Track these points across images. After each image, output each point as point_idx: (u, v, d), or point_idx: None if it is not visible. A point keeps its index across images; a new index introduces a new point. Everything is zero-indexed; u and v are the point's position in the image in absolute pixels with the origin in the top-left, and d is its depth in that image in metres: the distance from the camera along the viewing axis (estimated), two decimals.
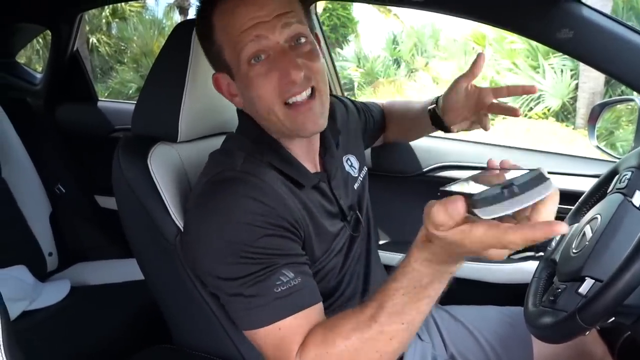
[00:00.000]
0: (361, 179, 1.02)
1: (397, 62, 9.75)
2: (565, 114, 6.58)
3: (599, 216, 0.85)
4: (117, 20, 11.41)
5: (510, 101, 6.82)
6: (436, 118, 1.07)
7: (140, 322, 1.35)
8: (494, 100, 0.97)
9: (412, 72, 9.36)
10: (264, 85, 0.76)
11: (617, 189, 0.88)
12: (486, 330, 1.06)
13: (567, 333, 0.75)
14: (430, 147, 1.34)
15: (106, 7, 10.92)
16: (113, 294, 1.46)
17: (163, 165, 0.93)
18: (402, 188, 1.37)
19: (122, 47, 11.20)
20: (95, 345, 1.25)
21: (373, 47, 10.36)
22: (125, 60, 11.04)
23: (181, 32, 0.96)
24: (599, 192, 0.97)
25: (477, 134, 1.21)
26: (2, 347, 0.57)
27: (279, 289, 0.70)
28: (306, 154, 0.87)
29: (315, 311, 0.73)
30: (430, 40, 9.59)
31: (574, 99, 6.44)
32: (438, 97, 1.08)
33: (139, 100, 1.01)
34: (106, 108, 1.81)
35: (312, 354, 0.68)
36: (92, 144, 1.78)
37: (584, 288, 0.78)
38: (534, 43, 6.76)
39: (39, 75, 1.88)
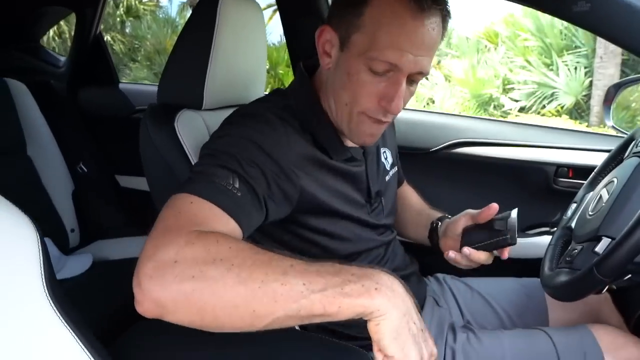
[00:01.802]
0: (392, 173, 1.03)
1: None
2: (579, 111, 6.54)
3: (615, 179, 0.87)
4: (131, 18, 11.53)
5: (523, 98, 6.81)
6: (434, 234, 1.03)
7: None
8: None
9: None
10: (364, 91, 0.77)
11: (633, 153, 0.89)
12: (502, 299, 1.07)
13: (585, 288, 0.76)
14: (445, 123, 1.36)
15: (120, 5, 11.13)
16: (134, 266, 1.49)
17: (189, 129, 0.96)
18: (418, 164, 1.39)
19: (136, 45, 11.32)
20: (117, 312, 1.28)
21: None
22: (139, 58, 11.15)
23: (207, 1, 0.99)
24: (614, 161, 0.99)
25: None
26: (49, 299, 0.60)
27: (219, 182, 0.67)
28: None
29: (228, 224, 0.65)
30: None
31: (588, 96, 6.40)
32: (443, 217, 1.04)
33: (165, 70, 1.04)
34: (127, 90, 1.85)
35: (176, 250, 0.56)
36: (114, 125, 1.82)
37: (600, 247, 0.79)
38: (548, 40, 6.74)
39: (62, 59, 1.92)
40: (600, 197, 0.87)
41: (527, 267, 1.15)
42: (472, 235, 0.92)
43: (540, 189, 1.31)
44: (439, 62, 9.52)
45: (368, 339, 0.57)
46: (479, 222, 0.92)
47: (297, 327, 0.86)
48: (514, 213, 0.90)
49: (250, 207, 0.68)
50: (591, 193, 0.97)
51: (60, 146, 1.72)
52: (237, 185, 0.67)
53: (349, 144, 0.89)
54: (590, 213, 0.88)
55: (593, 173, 1.02)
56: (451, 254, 0.90)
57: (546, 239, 1.29)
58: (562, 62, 6.50)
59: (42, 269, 0.60)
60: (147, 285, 0.54)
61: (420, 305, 0.98)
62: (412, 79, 0.77)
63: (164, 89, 1.04)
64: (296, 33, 1.47)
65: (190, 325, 0.56)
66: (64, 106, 1.82)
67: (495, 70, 7.62)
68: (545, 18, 6.64)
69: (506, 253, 0.90)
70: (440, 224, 1.03)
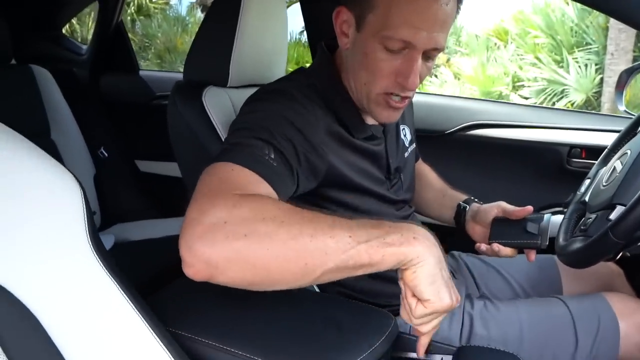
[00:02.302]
0: (410, 150, 1.06)
1: None
2: (589, 108, 6.52)
3: (629, 151, 0.90)
4: (141, 17, 11.63)
5: (533, 95, 6.80)
6: (460, 216, 1.06)
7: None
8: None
9: (433, 67, 9.33)
10: (381, 70, 0.79)
11: None
12: (517, 273, 1.10)
13: (600, 252, 0.79)
14: (461, 106, 1.39)
15: (131, 4, 11.23)
16: (155, 246, 1.54)
17: (216, 105, 1.00)
18: (434, 146, 1.42)
19: (147, 44, 11.41)
20: (141, 289, 1.32)
21: None
22: (150, 57, 11.23)
23: None
24: (628, 137, 1.01)
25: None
26: (93, 251, 0.64)
27: (257, 152, 0.69)
28: None
29: (267, 190, 0.67)
30: (451, 37, 9.57)
31: (599, 93, 6.38)
32: (469, 200, 1.08)
33: (192, 49, 1.08)
34: (147, 76, 1.89)
35: (225, 211, 0.58)
36: (134, 111, 1.87)
37: (614, 214, 0.81)
38: (559, 37, 6.72)
39: (84, 47, 1.97)
40: (614, 168, 0.90)
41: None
42: (503, 231, 0.95)
43: (553, 169, 1.34)
44: (448, 59, 9.52)
45: (390, 306, 0.60)
46: (511, 218, 0.95)
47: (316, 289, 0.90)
48: (547, 217, 0.93)
49: (285, 177, 0.71)
50: (605, 167, 0.99)
51: (82, 131, 1.77)
52: (272, 156, 0.69)
53: (370, 121, 0.91)
54: (604, 184, 0.90)
55: (606, 150, 1.05)
56: (483, 247, 0.95)
57: (560, 219, 1.31)
58: (573, 59, 6.48)
59: (86, 222, 0.64)
60: (198, 246, 0.55)
61: None
62: (428, 55, 0.79)
63: (190, 67, 1.08)
64: (314, 16, 1.50)
65: (240, 283, 0.58)
66: (86, 93, 1.88)
67: (504, 67, 7.60)
68: (556, 15, 6.62)
69: (533, 256, 0.94)
70: (467, 207, 1.05)
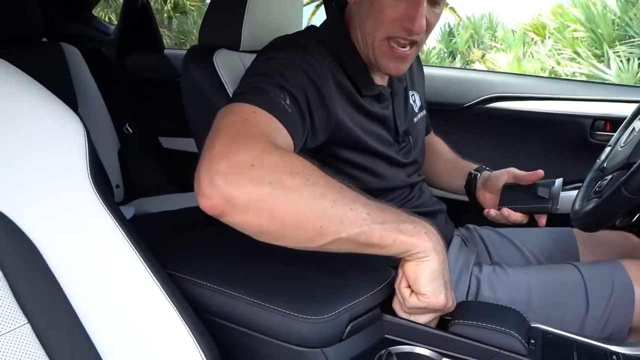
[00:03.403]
0: (420, 116, 1.05)
1: (452, 54, 9.60)
2: None
3: None
4: (177, 14, 11.88)
5: None
6: (471, 185, 1.05)
7: None
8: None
9: (467, 63, 9.18)
10: (386, 16, 0.79)
11: None
12: (532, 244, 1.07)
13: (614, 210, 0.76)
14: (479, 79, 1.36)
15: (168, 2, 11.49)
16: (171, 216, 1.57)
17: (227, 66, 1.01)
18: (452, 120, 1.40)
19: (182, 40, 11.65)
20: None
21: (428, 39, 10.22)
22: None
23: None
24: None
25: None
26: (93, 187, 0.65)
27: (275, 97, 0.68)
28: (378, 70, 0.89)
29: (287, 138, 0.67)
30: (487, 32, 9.39)
31: None
32: (480, 168, 1.07)
33: (206, 14, 1.09)
34: (172, 55, 1.93)
35: (253, 155, 0.58)
36: (158, 89, 1.91)
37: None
38: (599, 30, 6.49)
39: (112, 27, 2.03)
40: (633, 128, 0.86)
41: (559, 221, 1.14)
42: (513, 196, 0.93)
43: (576, 143, 1.29)
44: (483, 55, 9.34)
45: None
46: (522, 184, 0.93)
47: None
48: (559, 182, 0.92)
49: (298, 126, 0.71)
50: (625, 132, 0.95)
51: (108, 108, 1.82)
52: (288, 102, 0.69)
53: (378, 81, 0.91)
54: (621, 145, 0.87)
55: (628, 116, 1.00)
56: (492, 212, 0.94)
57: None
58: (614, 53, 6.24)
59: (87, 158, 0.65)
60: (221, 182, 0.55)
61: (447, 244, 0.99)
62: (435, 0, 0.79)
63: (205, 32, 1.09)
64: None
65: (250, 228, 0.58)
66: (112, 71, 1.93)
67: (541, 63, 7.41)
68: (597, 7, 6.39)
69: (544, 220, 0.92)
70: (478, 175, 1.04)
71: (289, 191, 0.56)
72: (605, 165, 0.93)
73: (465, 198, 1.08)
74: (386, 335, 0.68)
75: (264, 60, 0.79)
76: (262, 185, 0.55)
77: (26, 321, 0.58)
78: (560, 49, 7.04)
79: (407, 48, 0.82)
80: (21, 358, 0.57)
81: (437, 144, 1.20)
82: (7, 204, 0.59)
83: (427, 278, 0.62)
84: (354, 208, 0.59)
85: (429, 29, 0.81)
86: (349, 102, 0.84)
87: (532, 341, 0.65)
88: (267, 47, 0.84)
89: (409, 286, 0.65)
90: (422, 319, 0.66)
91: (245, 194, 0.55)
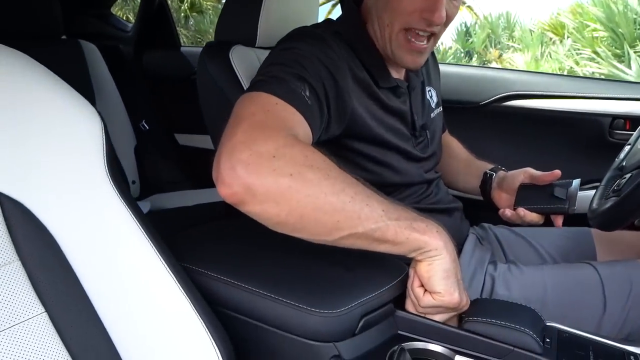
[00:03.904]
0: (437, 112, 1.04)
1: (469, 54, 9.53)
2: None
3: None
4: (194, 14, 11.97)
5: None
6: (486, 184, 1.04)
7: None
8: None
9: (484, 63, 9.10)
10: (405, 8, 0.79)
11: None
12: (547, 244, 1.06)
13: (631, 208, 0.75)
14: (496, 77, 1.34)
15: (185, 1, 11.59)
16: (187, 212, 1.58)
17: (243, 62, 1.01)
18: (468, 118, 1.38)
19: (199, 39, 11.74)
20: None
21: (445, 39, 10.16)
22: None
23: None
24: None
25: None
26: (109, 177, 0.66)
27: (295, 88, 0.68)
28: (395, 63, 0.89)
29: (306, 130, 0.68)
30: (504, 32, 9.30)
31: None
32: (496, 168, 1.06)
33: (223, 11, 1.10)
34: (188, 52, 1.95)
35: (275, 146, 0.58)
36: (175, 86, 1.93)
37: None
38: (620, 30, 6.38)
39: (130, 25, 2.05)
40: None
41: (576, 221, 1.12)
42: (530, 196, 0.92)
43: (594, 142, 1.27)
44: (500, 55, 9.25)
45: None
46: (538, 184, 0.92)
47: None
48: (576, 182, 0.90)
49: (317, 117, 0.71)
50: None
51: (125, 104, 1.84)
52: (307, 94, 0.69)
53: (395, 74, 0.90)
54: None
55: None
56: (507, 212, 0.94)
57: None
58: (635, 52, 6.13)
59: (104, 150, 0.66)
60: (243, 171, 0.55)
61: (462, 242, 0.98)
62: None
63: (221, 27, 1.10)
64: None
65: (268, 219, 0.59)
66: (130, 68, 1.95)
67: (560, 63, 7.31)
68: (618, 7, 6.28)
69: (560, 221, 0.91)
70: (494, 175, 1.03)
71: (309, 184, 0.57)
72: (624, 164, 0.91)
73: (480, 197, 1.07)
74: (399, 332, 0.68)
75: (282, 50, 0.79)
76: (283, 176, 0.56)
77: (43, 310, 0.59)
78: (579, 49, 6.94)
79: (424, 42, 0.82)
80: (38, 346, 0.58)
81: (452, 144, 1.19)
82: (26, 194, 0.60)
83: (441, 276, 0.63)
84: (370, 204, 0.59)
85: (447, 21, 0.80)
86: (366, 94, 0.84)
87: (547, 340, 0.64)
88: (284, 38, 0.84)
89: (422, 285, 0.65)
90: (437, 318, 0.66)
91: (265, 184, 0.56)
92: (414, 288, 0.66)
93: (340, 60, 0.79)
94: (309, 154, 0.59)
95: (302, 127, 0.66)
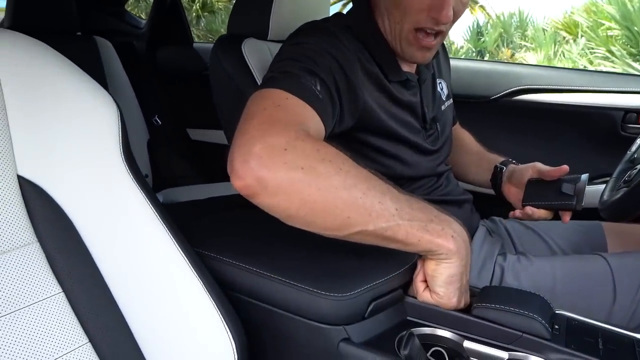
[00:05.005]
0: (447, 104, 1.04)
1: (480, 54, 9.47)
2: None
3: None
4: (206, 13, 12.05)
5: None
6: (497, 177, 1.04)
7: None
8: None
9: None
10: (414, 6, 0.79)
11: None
12: (557, 237, 1.06)
13: None
14: (507, 71, 1.34)
15: (196, 1, 11.68)
16: (200, 206, 1.59)
17: (255, 55, 1.02)
18: (479, 113, 1.38)
19: (210, 39, 11.81)
20: None
21: (456, 38, 10.11)
22: None
23: None
24: None
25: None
26: (124, 162, 0.68)
27: (306, 83, 0.69)
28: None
29: (318, 124, 0.68)
30: (517, 31, 9.23)
31: None
32: (506, 162, 1.06)
33: (235, 4, 1.12)
34: (201, 49, 1.97)
35: (286, 140, 0.59)
36: (187, 81, 1.95)
37: None
38: (635, 28, 6.31)
39: (143, 21, 2.08)
40: None
41: (587, 215, 1.12)
42: (537, 192, 0.92)
43: (606, 136, 1.27)
44: (512, 54, 9.19)
45: None
46: (546, 179, 0.92)
47: None
48: (584, 178, 0.89)
49: (329, 111, 0.71)
50: None
51: (138, 99, 1.87)
52: (318, 88, 0.70)
53: (405, 68, 0.91)
54: None
55: None
56: (517, 214, 0.95)
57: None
58: None
59: (120, 136, 0.68)
60: (255, 164, 0.56)
61: (472, 234, 0.99)
62: None
63: (233, 21, 1.11)
64: None
65: (280, 212, 0.59)
66: (143, 64, 1.97)
67: (573, 62, 7.24)
68: (633, 4, 6.21)
69: (568, 217, 0.91)
70: (504, 168, 1.03)
71: (320, 178, 0.57)
72: (635, 156, 0.91)
73: (491, 191, 1.08)
74: (408, 317, 0.68)
75: (292, 45, 0.80)
76: (295, 170, 0.56)
77: (60, 290, 0.61)
78: (593, 48, 6.86)
79: (432, 39, 0.82)
80: (55, 325, 0.60)
81: (464, 136, 1.19)
82: (45, 178, 0.62)
83: (444, 280, 0.63)
84: (383, 201, 0.59)
85: (455, 18, 0.81)
86: (377, 87, 0.85)
87: (556, 327, 0.64)
88: (294, 33, 0.85)
89: (425, 281, 0.66)
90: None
91: (277, 177, 0.56)
92: (417, 281, 0.67)
93: (350, 53, 0.80)
94: (321, 148, 0.60)
95: (313, 121, 0.67)
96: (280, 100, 0.65)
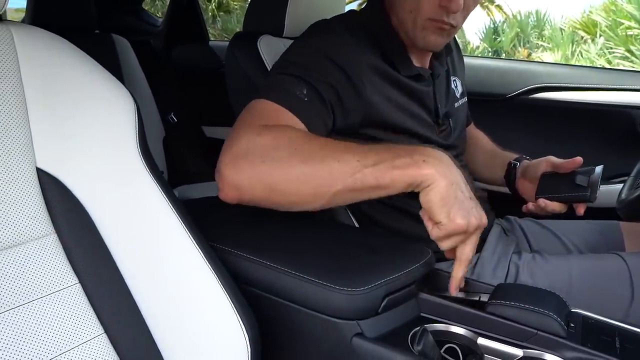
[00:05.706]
0: (461, 102, 1.04)
1: (497, 54, 9.39)
2: None
3: None
4: (221, 13, 12.12)
5: None
6: (510, 174, 1.03)
7: None
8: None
9: None
10: None
11: None
12: (574, 236, 1.04)
13: None
14: (523, 69, 1.33)
15: (212, 1, 11.76)
16: (214, 202, 1.61)
17: (271, 51, 1.03)
18: (495, 111, 1.37)
19: (226, 38, 11.88)
20: None
21: (472, 38, 10.03)
22: None
23: None
24: None
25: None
26: (140, 154, 0.68)
27: (289, 88, 0.74)
28: (417, 51, 0.90)
29: (297, 125, 0.72)
30: (534, 31, 9.13)
31: None
32: (520, 158, 1.05)
33: (251, 2, 1.12)
34: (217, 47, 1.98)
35: (246, 141, 0.65)
36: (203, 79, 1.96)
37: None
38: None
39: (160, 20, 2.10)
40: None
41: (605, 214, 1.10)
42: (551, 185, 0.91)
43: (625, 134, 1.25)
44: (529, 54, 9.09)
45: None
46: (560, 172, 0.91)
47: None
48: (599, 169, 0.88)
49: (317, 110, 0.75)
50: None
51: (154, 97, 1.88)
52: (304, 92, 0.74)
53: (417, 63, 0.91)
54: None
55: None
56: (530, 206, 0.93)
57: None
58: None
59: (137, 129, 0.69)
60: (225, 172, 0.65)
61: (487, 232, 0.98)
62: None
63: (249, 18, 1.12)
64: None
65: (265, 203, 0.66)
66: (160, 62, 1.99)
67: (591, 62, 7.14)
68: None
69: (582, 209, 0.89)
70: (518, 164, 1.03)
71: (280, 163, 0.63)
72: None
73: (505, 190, 1.07)
74: (422, 314, 0.68)
75: (292, 48, 0.84)
76: (258, 165, 0.63)
77: (77, 281, 0.62)
78: (611, 48, 6.77)
79: (446, 28, 0.82)
80: (71, 316, 0.61)
81: (478, 135, 1.18)
82: (63, 171, 0.63)
83: (439, 204, 0.59)
84: (340, 159, 0.61)
85: (467, 11, 0.81)
86: (386, 82, 0.84)
87: (572, 325, 0.63)
88: (301, 35, 0.88)
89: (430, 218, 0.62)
90: (449, 242, 0.63)
91: (246, 177, 0.64)
92: (425, 222, 0.63)
93: (352, 50, 0.81)
94: (278, 136, 0.65)
95: (290, 121, 0.71)
96: (257, 108, 0.72)
